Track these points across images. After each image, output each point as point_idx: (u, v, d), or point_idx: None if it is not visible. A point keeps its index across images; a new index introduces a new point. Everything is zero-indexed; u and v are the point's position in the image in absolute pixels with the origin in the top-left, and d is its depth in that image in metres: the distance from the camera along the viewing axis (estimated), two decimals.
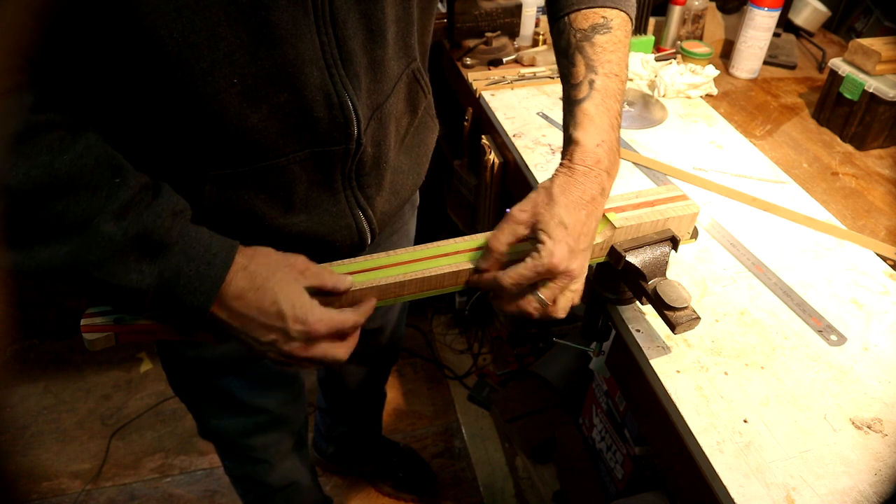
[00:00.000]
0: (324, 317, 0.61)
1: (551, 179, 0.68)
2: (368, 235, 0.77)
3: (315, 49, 0.61)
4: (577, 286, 0.67)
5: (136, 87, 0.57)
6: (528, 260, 0.64)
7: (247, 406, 1.00)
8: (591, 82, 0.70)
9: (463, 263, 0.68)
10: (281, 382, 1.03)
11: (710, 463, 0.64)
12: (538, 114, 1.21)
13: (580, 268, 0.65)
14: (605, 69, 0.71)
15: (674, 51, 1.43)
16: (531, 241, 0.66)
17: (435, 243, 0.70)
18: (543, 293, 0.65)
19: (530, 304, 0.66)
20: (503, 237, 0.66)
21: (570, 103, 0.71)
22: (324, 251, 0.71)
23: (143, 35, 0.52)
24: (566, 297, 0.66)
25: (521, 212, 0.66)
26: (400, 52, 0.71)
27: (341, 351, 0.64)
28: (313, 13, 0.59)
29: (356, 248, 0.75)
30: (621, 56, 0.72)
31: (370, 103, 0.69)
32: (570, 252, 0.63)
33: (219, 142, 0.61)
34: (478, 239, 0.71)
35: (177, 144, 0.62)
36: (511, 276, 0.64)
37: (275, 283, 0.60)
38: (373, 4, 0.63)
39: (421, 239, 1.08)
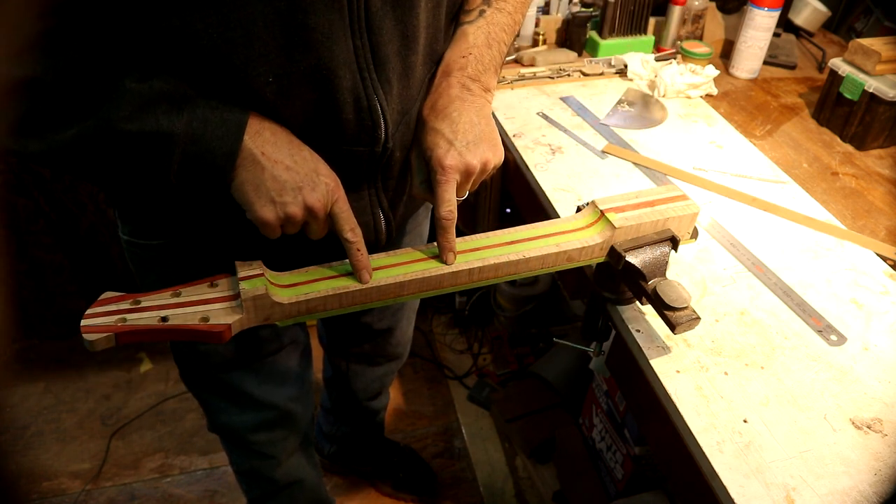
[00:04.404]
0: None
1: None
2: (384, 236, 0.78)
3: (349, 53, 0.62)
4: (482, 174, 0.71)
5: (169, 59, 0.58)
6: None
7: (257, 401, 1.01)
8: (482, 12, 0.74)
9: (462, 263, 0.68)
10: (291, 379, 1.03)
11: (710, 463, 0.64)
12: (538, 114, 1.21)
13: (475, 157, 0.68)
14: (498, 4, 0.75)
15: (674, 51, 1.43)
16: None
17: (435, 243, 0.70)
18: (459, 193, 0.70)
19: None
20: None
21: (456, 27, 0.75)
22: (339, 244, 0.71)
23: (179, 27, 0.54)
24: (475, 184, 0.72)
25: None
26: (427, 57, 0.72)
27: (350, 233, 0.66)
28: (349, 18, 0.60)
29: (371, 246, 0.76)
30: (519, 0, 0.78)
31: (400, 108, 0.70)
32: (450, 147, 0.67)
33: None
34: (477, 239, 0.71)
35: None
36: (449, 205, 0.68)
37: (302, 145, 0.63)
38: (408, 11, 0.64)
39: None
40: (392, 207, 0.78)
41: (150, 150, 0.56)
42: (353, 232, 0.64)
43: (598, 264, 0.76)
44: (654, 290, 0.69)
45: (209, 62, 0.57)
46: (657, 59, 1.36)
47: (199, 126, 0.57)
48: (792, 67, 1.45)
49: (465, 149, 0.68)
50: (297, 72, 0.60)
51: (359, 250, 0.64)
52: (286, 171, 0.61)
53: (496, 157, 0.71)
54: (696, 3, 1.43)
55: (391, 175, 0.74)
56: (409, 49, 0.67)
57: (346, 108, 0.64)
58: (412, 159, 0.73)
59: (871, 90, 1.14)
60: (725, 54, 1.49)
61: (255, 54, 0.57)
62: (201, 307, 0.60)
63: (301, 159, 0.62)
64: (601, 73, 1.35)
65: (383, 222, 0.77)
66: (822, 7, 1.51)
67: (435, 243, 0.69)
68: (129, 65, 0.57)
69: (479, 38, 0.73)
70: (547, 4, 1.44)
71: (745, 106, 1.30)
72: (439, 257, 0.68)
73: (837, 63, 1.21)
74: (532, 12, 1.41)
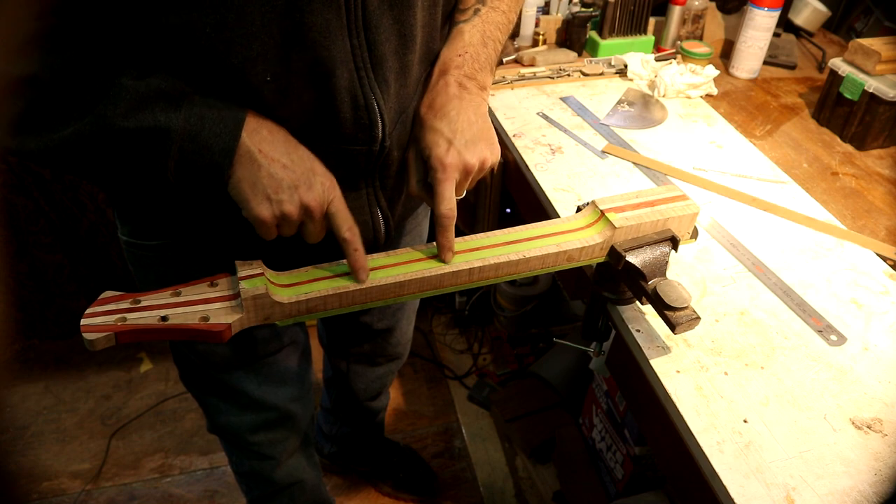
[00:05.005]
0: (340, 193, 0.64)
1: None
2: (383, 235, 0.78)
3: (346, 52, 0.62)
4: (480, 172, 0.72)
5: (168, 61, 0.58)
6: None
7: (256, 402, 1.00)
8: (476, 10, 0.75)
9: (462, 263, 0.68)
10: (291, 379, 1.03)
11: (710, 463, 0.64)
12: (538, 114, 1.21)
13: (474, 156, 0.69)
14: (493, 3, 0.76)
15: (674, 51, 1.43)
16: None
17: (434, 243, 0.70)
18: (457, 191, 0.70)
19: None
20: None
21: (451, 26, 0.76)
22: (338, 244, 0.72)
23: (177, 25, 0.54)
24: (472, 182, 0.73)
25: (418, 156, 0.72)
26: (424, 56, 0.72)
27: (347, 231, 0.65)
28: (346, 16, 0.60)
29: (370, 246, 0.76)
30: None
31: (397, 107, 0.70)
32: (449, 146, 0.68)
33: None
34: (477, 239, 0.71)
35: None
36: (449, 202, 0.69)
37: (298, 145, 0.63)
38: (406, 10, 0.64)
39: (426, 239, 1.09)
40: (390, 206, 0.78)
41: (147, 146, 0.56)
42: (350, 231, 0.64)
43: (598, 264, 0.76)
44: (654, 290, 0.69)
45: (207, 62, 0.58)
46: (657, 59, 1.36)
47: (197, 122, 0.57)
48: (792, 67, 1.45)
49: (463, 147, 0.68)
50: (295, 71, 0.60)
51: (356, 250, 0.64)
52: (283, 169, 0.61)
53: (494, 155, 0.71)
54: (696, 3, 1.43)
55: (389, 174, 0.74)
56: (406, 48, 0.67)
57: (344, 106, 0.64)
58: (409, 158, 0.72)
59: (871, 90, 1.14)
60: (725, 54, 1.49)
61: (254, 54, 0.58)
62: (201, 307, 0.60)
63: (298, 158, 0.62)
64: (601, 73, 1.35)
65: (382, 221, 0.77)
66: (822, 7, 1.51)
67: (434, 243, 0.69)
68: (127, 63, 0.57)
69: (474, 36, 0.74)
70: (547, 4, 1.44)
71: (745, 106, 1.30)
72: (439, 257, 0.68)
73: (837, 63, 1.21)
74: (532, 12, 1.41)
